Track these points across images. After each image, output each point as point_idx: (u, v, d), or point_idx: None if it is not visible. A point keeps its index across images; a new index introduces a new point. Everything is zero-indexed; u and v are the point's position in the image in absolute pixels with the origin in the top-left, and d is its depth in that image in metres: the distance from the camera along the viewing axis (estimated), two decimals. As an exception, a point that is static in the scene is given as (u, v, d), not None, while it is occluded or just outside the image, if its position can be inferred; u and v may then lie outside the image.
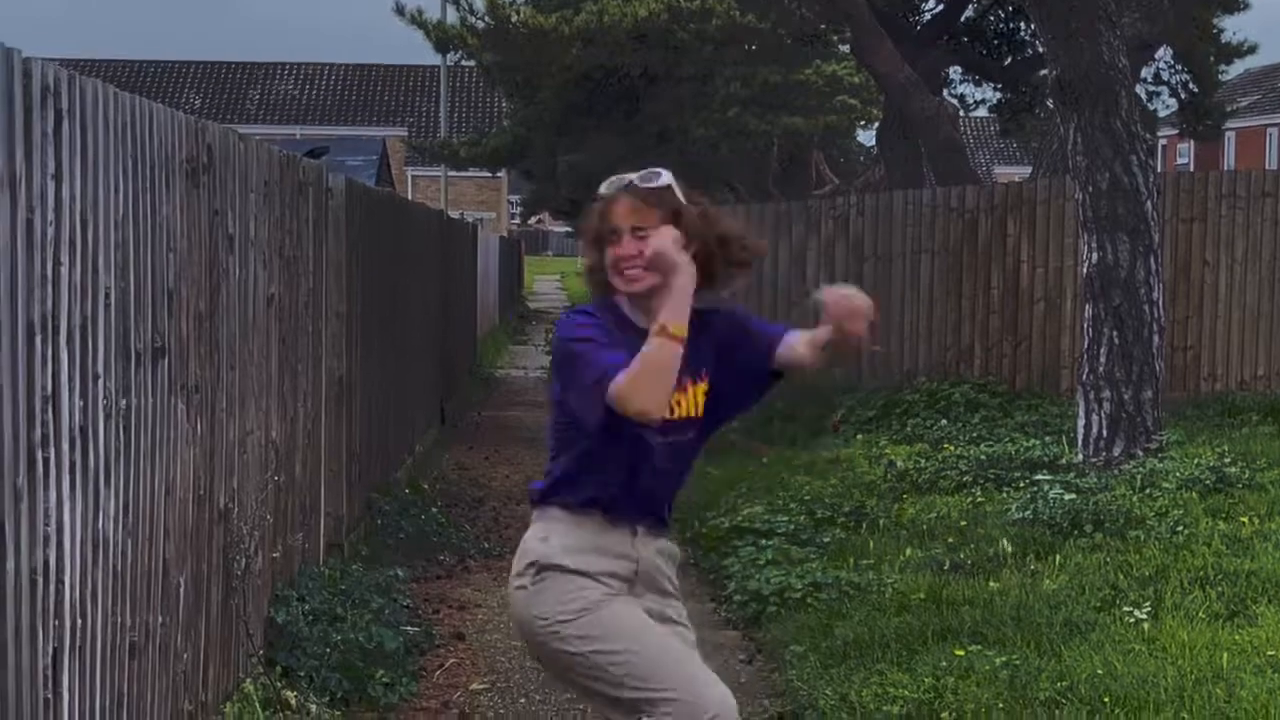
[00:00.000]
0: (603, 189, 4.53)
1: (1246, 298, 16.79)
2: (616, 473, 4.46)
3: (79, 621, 4.65)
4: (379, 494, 11.17)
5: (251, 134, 7.41)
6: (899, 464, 12.97)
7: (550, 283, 62.70)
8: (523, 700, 7.68)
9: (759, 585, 9.32)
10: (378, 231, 11.35)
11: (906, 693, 7.13)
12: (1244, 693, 6.86)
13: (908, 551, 10.14)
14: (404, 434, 13.24)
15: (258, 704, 6.59)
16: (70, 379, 4.57)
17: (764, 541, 10.37)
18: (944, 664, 7.51)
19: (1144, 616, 8.19)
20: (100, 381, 4.83)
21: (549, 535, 4.47)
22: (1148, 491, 11.16)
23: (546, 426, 4.62)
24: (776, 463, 13.68)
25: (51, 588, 4.42)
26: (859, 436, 14.85)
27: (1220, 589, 8.57)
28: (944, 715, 6.80)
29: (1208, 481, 11.35)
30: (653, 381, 4.24)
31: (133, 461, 5.17)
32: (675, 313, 4.29)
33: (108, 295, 4.90)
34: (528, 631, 4.50)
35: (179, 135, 5.72)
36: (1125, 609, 8.32)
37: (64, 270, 4.51)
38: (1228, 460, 11.97)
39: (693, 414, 4.52)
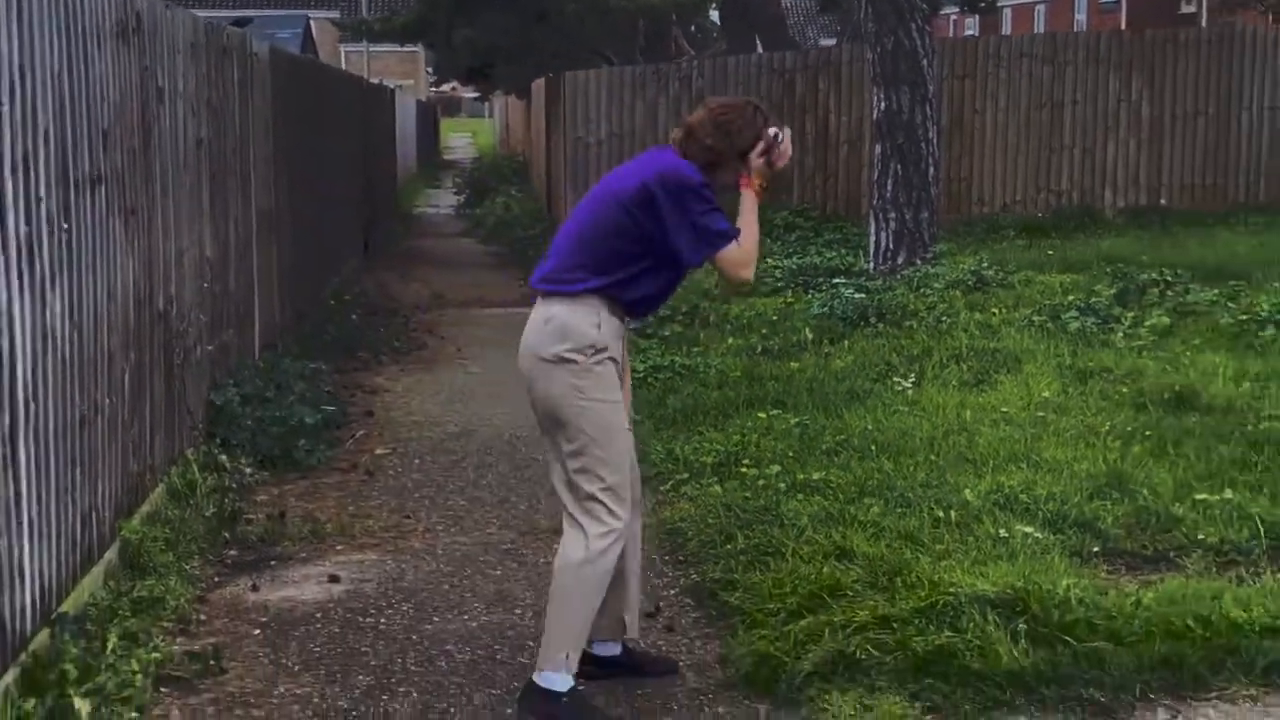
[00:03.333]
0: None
1: (1008, 138, 16.92)
2: (658, 291, 4.47)
3: (31, 402, 4.61)
4: (308, 304, 11.10)
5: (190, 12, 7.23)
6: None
7: (463, 139, 61.88)
8: (416, 461, 7.73)
9: (611, 369, 9.36)
10: (301, 91, 11.14)
11: (719, 446, 7.26)
12: (981, 440, 7.04)
13: (730, 341, 10.24)
14: (330, 258, 13.12)
15: (196, 467, 6.59)
16: (15, 201, 4.49)
17: (617, 336, 10.40)
18: (750, 425, 7.64)
19: (909, 386, 8.36)
20: (43, 204, 4.75)
21: (600, 323, 4.40)
22: (921, 291, 11.31)
23: (590, 234, 4.47)
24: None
25: (4, 371, 4.39)
26: (699, 254, 14.84)
27: (970, 364, 8.74)
28: (746, 461, 6.92)
29: (969, 282, 11.52)
30: (758, 251, 4.40)
31: (76, 269, 5.10)
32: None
33: (47, 133, 4.80)
34: (564, 395, 4.43)
35: (109, 2, 5.58)
36: (895, 380, 8.48)
37: (4, 109, 4.41)
38: (986, 266, 12.13)
39: None
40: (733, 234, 4.34)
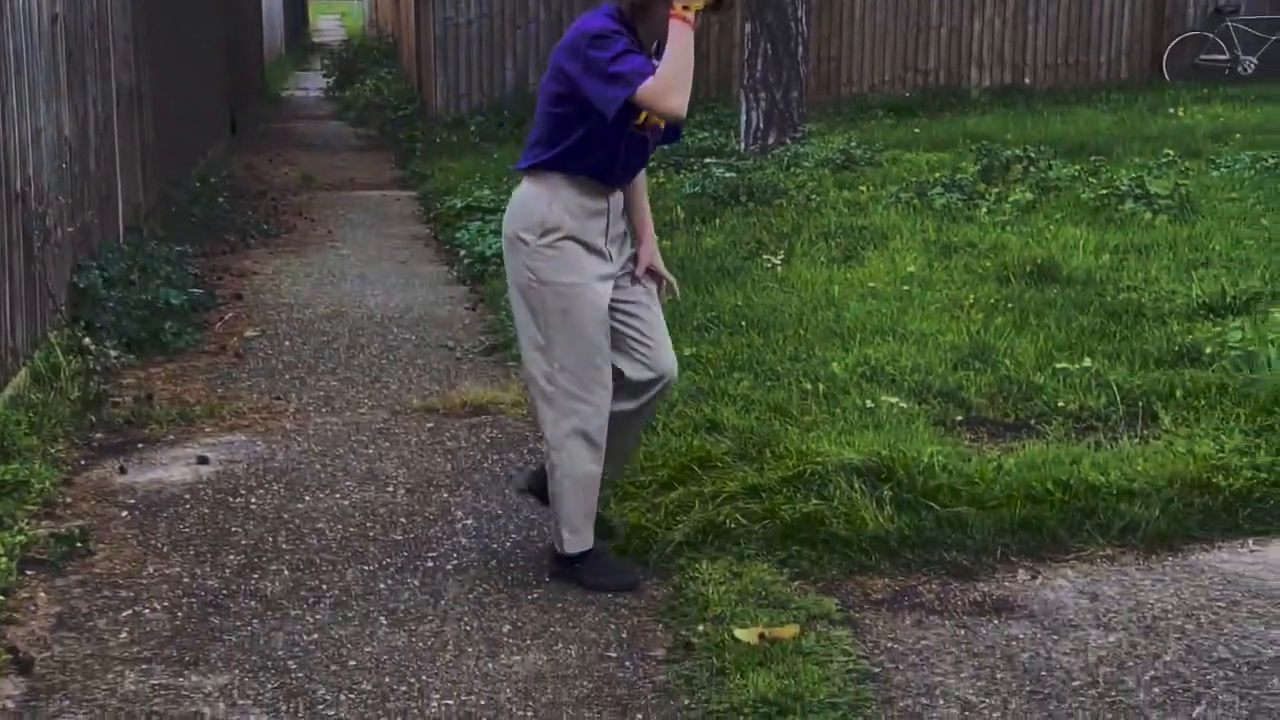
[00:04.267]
0: None
1: (877, 18, 16.90)
2: (611, 155, 4.27)
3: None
4: (173, 186, 10.83)
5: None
6: (601, 154, 12.90)
7: (332, 21, 60.52)
8: (287, 343, 7.62)
9: (483, 250, 9.30)
10: (160, -33, 10.76)
11: (591, 325, 7.21)
12: (848, 315, 7.08)
13: (602, 220, 10.16)
14: (196, 139, 12.78)
15: (59, 350, 6.43)
16: None
17: (489, 217, 10.29)
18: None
19: (778, 262, 8.36)
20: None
21: (554, 201, 4.25)
22: (792, 170, 11.31)
23: (539, 111, 4.33)
24: (504, 158, 13.54)
25: None
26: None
27: (838, 240, 8.77)
28: (617, 339, 6.89)
29: (838, 161, 11.55)
30: (685, 78, 4.05)
31: (-76, 147, 4.90)
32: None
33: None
34: (518, 275, 4.32)
35: None
36: (765, 257, 8.49)
37: None
38: (854, 145, 12.15)
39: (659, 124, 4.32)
40: (646, 70, 4.10)
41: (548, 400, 4.36)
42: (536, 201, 4.29)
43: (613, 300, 4.39)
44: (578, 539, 4.46)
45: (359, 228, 11.39)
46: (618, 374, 4.41)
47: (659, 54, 4.20)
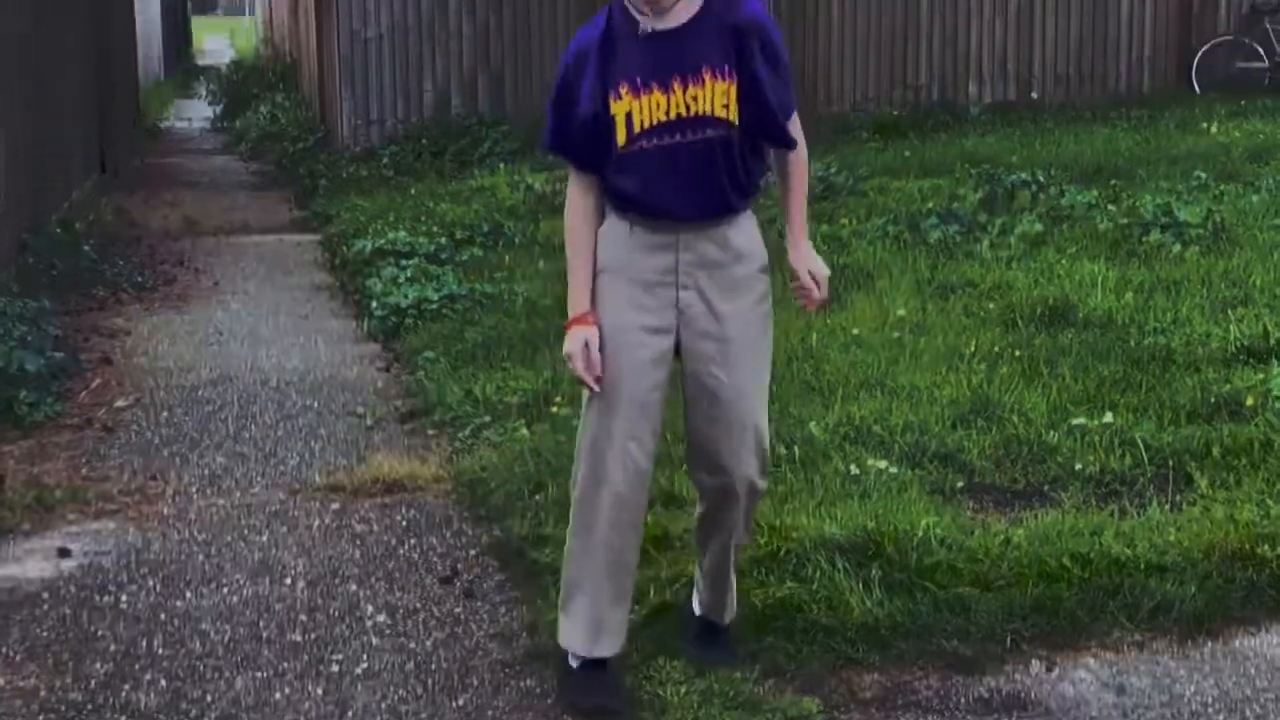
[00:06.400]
0: None
1: (857, 29, 17.10)
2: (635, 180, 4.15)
3: None
4: (31, 234, 10.80)
5: None
6: (537, 188, 12.99)
7: (220, 40, 60.69)
8: (165, 414, 7.58)
9: (398, 300, 9.31)
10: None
11: (526, 385, 7.24)
12: (829, 366, 7.12)
13: (540, 264, 10.22)
14: (59, 180, 12.77)
15: (-108, 425, 6.38)
16: None
17: (405, 262, 10.34)
18: (561, 358, 7.60)
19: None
20: None
21: (606, 231, 4.22)
22: (762, 202, 11.33)
23: None
24: (422, 193, 13.58)
25: None
26: (502, 166, 14.79)
27: (817, 281, 8.80)
28: (558, 399, 6.91)
29: (816, 190, 11.61)
30: None
31: None
32: None
33: None
34: None
35: None
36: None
37: None
38: (835, 171, 12.25)
39: (708, 112, 4.10)
40: (562, 127, 4.20)
41: (589, 441, 4.23)
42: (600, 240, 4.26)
43: (691, 366, 4.27)
44: (571, 628, 4.32)
45: (251, 278, 11.37)
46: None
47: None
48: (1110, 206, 10.40)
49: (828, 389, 6.77)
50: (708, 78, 4.08)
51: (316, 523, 5.93)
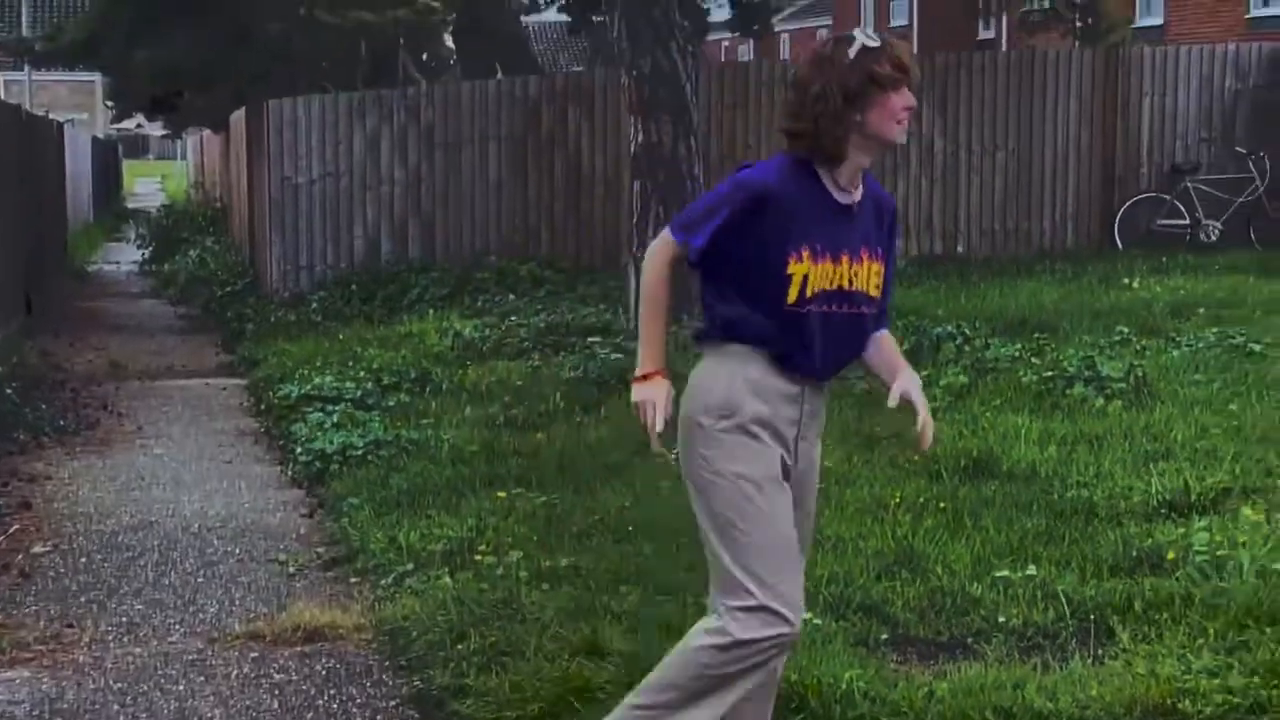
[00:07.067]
0: (868, 38, 4.19)
1: (786, 178, 17.26)
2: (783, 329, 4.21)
3: None
4: (-49, 376, 10.74)
5: None
6: (465, 334, 13.03)
7: (151, 184, 60.87)
8: (83, 560, 7.50)
9: (324, 445, 9.28)
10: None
11: (451, 532, 7.22)
12: (754, 517, 7.11)
13: (467, 410, 10.23)
14: (-19, 320, 12.71)
15: None
16: None
17: (331, 407, 10.33)
18: (488, 506, 7.63)
19: (673, 457, 8.38)
20: None
21: (736, 376, 4.24)
22: (689, 351, 11.40)
23: None
24: (350, 338, 13.59)
25: None
26: (431, 313, 14.82)
27: (744, 431, 8.85)
28: (482, 547, 6.89)
29: (743, 340, 11.69)
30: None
31: None
32: None
33: None
34: (692, 466, 4.31)
35: None
36: (656, 451, 8.51)
37: None
38: (762, 321, 12.33)
39: (863, 289, 4.26)
40: (682, 218, 4.29)
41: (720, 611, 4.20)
42: (719, 380, 4.28)
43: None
44: None
45: (176, 422, 11.32)
46: None
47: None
48: (1034, 360, 10.52)
49: (753, 539, 6.76)
50: (866, 256, 4.26)
51: (235, 672, 5.86)
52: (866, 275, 4.26)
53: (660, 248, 4.29)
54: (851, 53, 4.17)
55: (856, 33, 4.24)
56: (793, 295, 4.16)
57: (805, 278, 4.16)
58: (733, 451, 4.20)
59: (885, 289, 4.35)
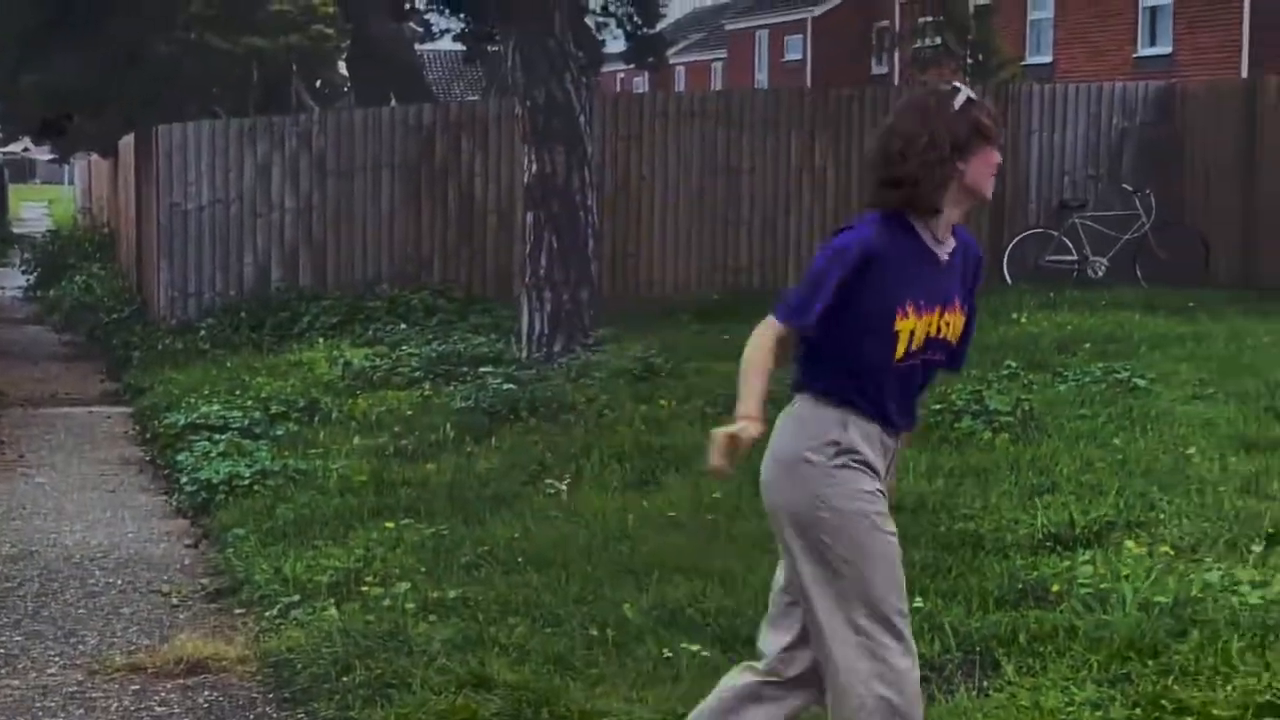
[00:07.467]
0: (964, 94, 4.22)
1: (679, 210, 17.33)
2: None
3: None
4: None
5: None
6: (355, 363, 12.95)
7: (37, 208, 60.17)
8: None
9: (210, 475, 9.20)
10: None
11: (338, 563, 7.18)
12: (645, 547, 7.14)
13: (355, 440, 10.17)
14: None
15: None
16: None
17: (218, 436, 10.25)
18: (375, 537, 7.58)
19: (563, 488, 8.42)
20: None
21: (847, 423, 4.26)
22: (581, 381, 11.45)
23: None
24: (238, 366, 13.47)
25: None
26: (321, 341, 14.72)
27: (635, 462, 8.89)
28: (369, 578, 6.85)
29: (635, 371, 11.74)
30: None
31: None
32: None
33: None
34: (799, 506, 4.33)
35: None
36: (548, 482, 8.55)
37: None
38: (654, 353, 12.36)
39: (949, 337, 4.31)
40: (788, 301, 4.30)
41: (858, 653, 4.22)
42: (824, 422, 4.29)
43: None
44: None
45: (58, 450, 11.18)
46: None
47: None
48: (923, 393, 10.58)
49: (643, 571, 6.77)
50: (958, 306, 4.31)
51: (115, 705, 5.79)
52: (954, 324, 4.32)
53: (765, 330, 4.31)
54: (957, 104, 4.21)
55: (959, 84, 4.29)
56: (900, 351, 4.22)
57: (912, 333, 4.22)
58: (849, 486, 4.24)
59: (966, 335, 4.39)
